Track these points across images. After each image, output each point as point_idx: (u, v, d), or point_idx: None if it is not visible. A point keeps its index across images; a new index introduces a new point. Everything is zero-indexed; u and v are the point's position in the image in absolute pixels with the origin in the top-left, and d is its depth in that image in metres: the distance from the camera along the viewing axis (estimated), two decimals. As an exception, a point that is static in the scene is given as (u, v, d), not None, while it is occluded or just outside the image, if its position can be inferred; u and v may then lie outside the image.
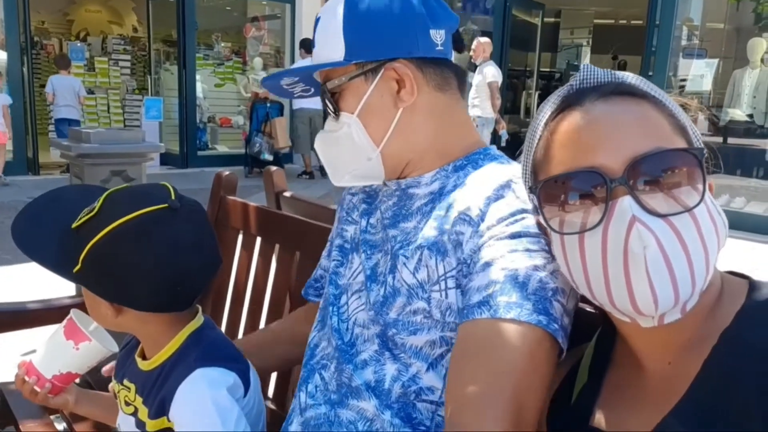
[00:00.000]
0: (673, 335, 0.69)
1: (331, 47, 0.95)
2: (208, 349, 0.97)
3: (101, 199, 0.92)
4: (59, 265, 0.93)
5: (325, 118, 1.04)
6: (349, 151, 0.97)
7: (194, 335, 0.98)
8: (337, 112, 0.97)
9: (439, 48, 0.96)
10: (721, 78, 6.91)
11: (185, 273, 0.92)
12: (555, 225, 0.71)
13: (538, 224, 0.80)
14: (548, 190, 0.72)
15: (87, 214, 0.92)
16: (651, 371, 0.72)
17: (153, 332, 0.98)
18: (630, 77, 0.73)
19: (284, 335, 1.26)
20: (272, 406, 1.46)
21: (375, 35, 0.94)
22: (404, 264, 0.89)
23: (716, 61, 6.94)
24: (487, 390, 0.73)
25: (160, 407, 0.94)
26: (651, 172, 0.65)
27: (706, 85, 6.80)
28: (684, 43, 7.09)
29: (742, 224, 5.22)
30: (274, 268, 1.56)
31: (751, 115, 6.57)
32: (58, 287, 1.83)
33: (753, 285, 0.69)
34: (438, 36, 0.96)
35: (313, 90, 1.07)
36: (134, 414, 1.00)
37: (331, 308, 1.00)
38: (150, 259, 0.89)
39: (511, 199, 0.85)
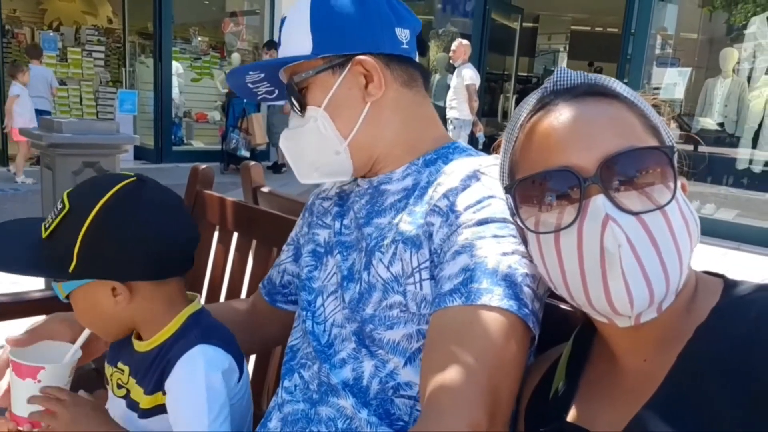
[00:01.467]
0: (648, 332, 0.70)
1: (297, 42, 0.96)
2: (208, 330, 1.00)
3: (64, 199, 0.95)
4: (49, 272, 0.98)
5: None
6: (316, 146, 0.97)
7: (194, 317, 1.01)
8: (303, 107, 0.97)
9: (405, 46, 0.98)
10: (694, 87, 7.06)
11: (174, 233, 0.97)
12: (531, 225, 0.72)
13: (511, 211, 0.80)
14: (523, 190, 0.72)
15: (57, 217, 0.93)
16: (627, 368, 0.73)
17: (157, 312, 0.99)
18: (603, 79, 0.75)
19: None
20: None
21: (342, 29, 0.94)
22: (380, 259, 0.90)
23: (689, 70, 7.07)
24: (461, 375, 0.73)
25: (158, 382, 0.96)
26: (623, 170, 0.66)
27: (679, 93, 6.92)
28: (658, 51, 7.22)
29: (712, 231, 5.33)
30: (251, 264, 1.54)
31: (722, 124, 6.72)
32: (25, 282, 1.78)
33: (728, 283, 0.71)
34: (403, 35, 0.98)
35: (277, 92, 1.07)
36: (125, 396, 1.02)
37: (305, 313, 1.00)
38: (142, 224, 0.93)
39: (477, 187, 0.86)
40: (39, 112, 7.76)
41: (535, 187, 0.71)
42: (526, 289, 0.78)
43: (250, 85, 1.05)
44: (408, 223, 0.90)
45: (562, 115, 0.71)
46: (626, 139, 0.67)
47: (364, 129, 0.96)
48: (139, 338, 1.02)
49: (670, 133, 0.73)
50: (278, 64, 0.98)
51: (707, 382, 0.62)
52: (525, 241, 0.78)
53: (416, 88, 0.99)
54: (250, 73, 1.01)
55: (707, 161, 6.74)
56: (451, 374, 0.73)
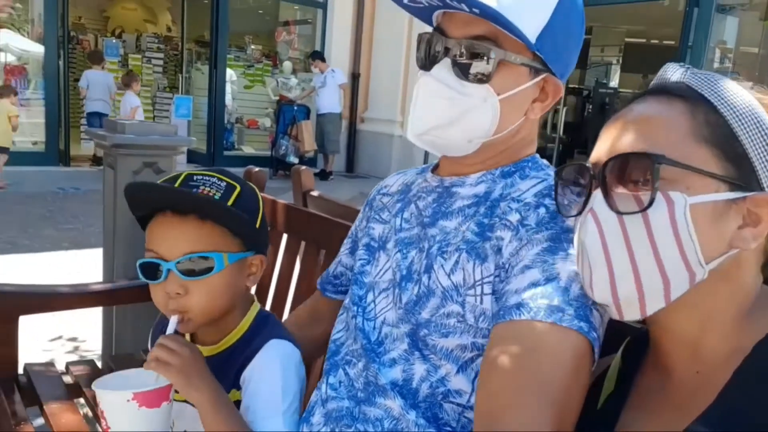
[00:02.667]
0: (702, 343, 0.69)
1: (528, 20, 0.85)
2: (278, 326, 1.05)
3: (230, 181, 1.01)
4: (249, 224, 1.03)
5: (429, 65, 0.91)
6: (462, 122, 0.89)
7: (260, 315, 1.06)
8: (485, 80, 0.88)
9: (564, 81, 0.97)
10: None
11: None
12: (564, 210, 0.80)
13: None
14: (563, 178, 0.80)
15: (232, 194, 1.00)
16: (679, 380, 0.72)
17: (243, 300, 1.04)
18: (695, 75, 0.72)
19: (308, 319, 1.25)
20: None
21: (563, 42, 0.91)
22: (441, 265, 0.88)
23: (749, 85, 6.82)
24: (527, 391, 0.71)
25: (234, 380, 0.99)
26: (618, 172, 0.70)
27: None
28: (717, 65, 7.01)
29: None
30: (299, 266, 1.58)
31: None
32: (82, 274, 1.87)
33: None
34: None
35: (423, 5, 0.91)
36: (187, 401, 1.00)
37: (355, 308, 1.00)
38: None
39: (551, 206, 0.85)
40: (98, 115, 8.15)
41: (569, 177, 0.79)
42: (595, 313, 0.76)
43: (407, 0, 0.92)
44: (475, 233, 0.88)
45: (619, 114, 0.75)
46: (649, 143, 0.68)
47: (504, 137, 0.92)
48: (197, 342, 1.04)
49: (758, 140, 0.67)
50: (494, 18, 0.83)
51: (761, 400, 0.61)
52: None
53: (542, 117, 0.99)
54: None
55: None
56: (519, 390, 0.72)
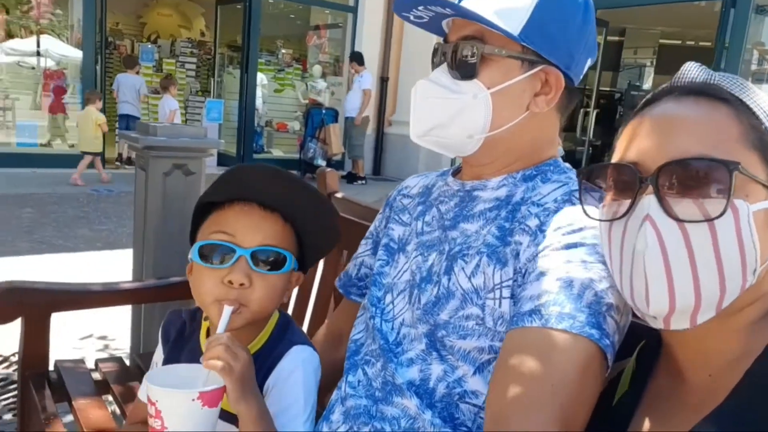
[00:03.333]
0: (715, 347, 0.69)
1: (510, 13, 0.89)
2: (298, 332, 1.05)
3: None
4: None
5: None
6: (457, 119, 0.92)
7: (281, 321, 1.04)
8: (468, 76, 0.91)
9: (581, 77, 0.97)
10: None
11: None
12: (593, 212, 0.75)
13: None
14: (593, 177, 0.75)
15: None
16: (692, 383, 0.71)
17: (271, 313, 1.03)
18: (725, 79, 0.72)
19: (331, 340, 1.23)
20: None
21: (557, 33, 0.91)
22: (462, 268, 0.88)
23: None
24: (536, 398, 0.72)
25: (259, 388, 0.95)
26: (680, 176, 0.65)
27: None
28: (754, 67, 6.84)
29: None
30: (322, 266, 1.59)
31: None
32: (114, 273, 1.91)
33: None
34: (586, 67, 0.97)
35: (426, 20, 0.96)
36: None
37: (373, 309, 1.00)
38: None
39: (570, 211, 0.84)
40: (126, 117, 8.37)
41: (604, 177, 0.74)
42: (609, 320, 0.75)
43: (412, 17, 0.96)
44: (496, 237, 0.88)
45: (656, 111, 0.71)
46: (705, 146, 0.65)
47: (507, 133, 0.92)
48: None
49: None
50: (473, 18, 0.88)
51: None
52: None
53: (563, 115, 0.98)
54: (418, 10, 0.93)
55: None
56: (526, 396, 0.72)
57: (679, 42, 12.18)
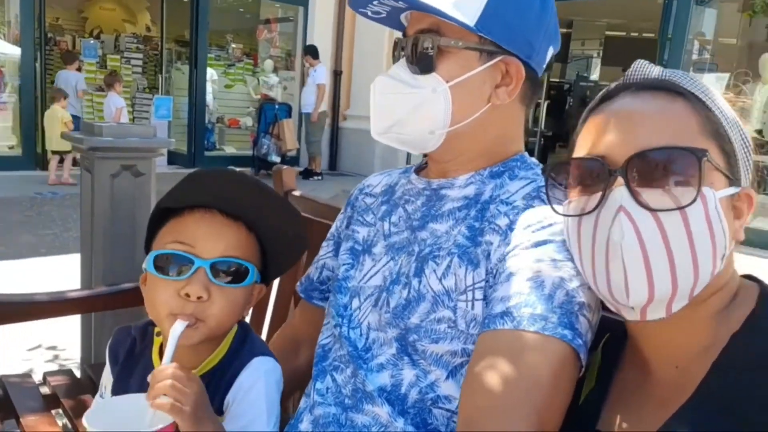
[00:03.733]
0: (681, 338, 0.69)
1: (465, 4, 0.87)
2: (258, 342, 0.99)
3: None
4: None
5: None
6: (417, 115, 0.90)
7: (239, 333, 0.98)
8: (426, 69, 0.89)
9: (543, 66, 0.94)
10: (732, 93, 6.89)
11: None
12: (558, 209, 0.75)
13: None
14: (558, 173, 0.75)
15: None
16: (658, 375, 0.72)
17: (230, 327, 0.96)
18: (676, 75, 0.73)
19: (291, 346, 1.18)
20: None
21: (514, 22, 0.89)
22: (433, 270, 0.87)
23: (727, 75, 6.91)
24: (509, 402, 0.71)
25: (219, 405, 0.91)
26: (649, 167, 0.66)
27: (717, 99, 6.75)
28: (695, 57, 7.08)
29: (753, 241, 5.18)
30: (282, 268, 1.55)
31: (760, 131, 6.53)
32: (61, 280, 1.83)
33: (763, 289, 0.70)
34: (549, 56, 0.95)
35: (383, 16, 0.95)
36: None
37: (339, 318, 0.98)
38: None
39: (539, 208, 0.84)
40: None
41: (569, 173, 0.74)
42: (582, 319, 0.75)
43: (370, 12, 0.95)
44: (466, 237, 0.87)
45: (616, 106, 0.72)
46: (666, 137, 0.67)
47: (470, 125, 0.90)
48: None
49: (746, 136, 0.72)
50: (427, 10, 0.86)
51: (739, 393, 0.61)
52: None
53: (528, 107, 0.96)
54: (374, 4, 0.92)
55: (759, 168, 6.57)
56: (499, 402, 0.71)
57: (624, 34, 12.53)
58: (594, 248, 0.69)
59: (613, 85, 0.77)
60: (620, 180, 0.67)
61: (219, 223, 0.91)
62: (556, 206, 0.76)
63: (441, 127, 0.90)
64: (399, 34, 0.98)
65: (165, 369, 0.79)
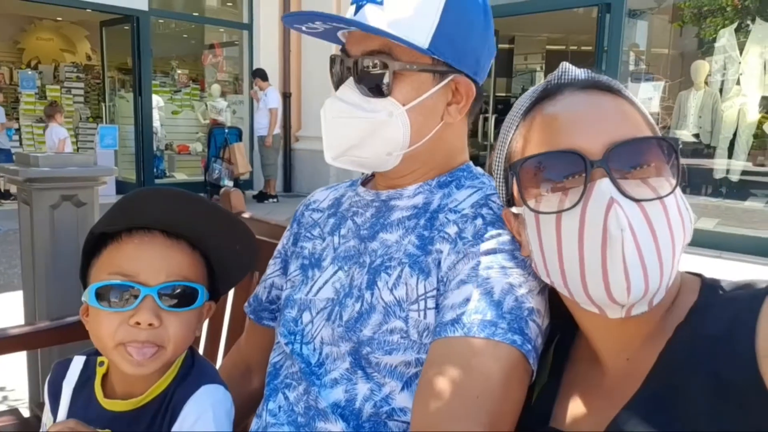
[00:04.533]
0: (635, 330, 0.70)
1: (415, 25, 0.85)
2: (208, 369, 0.95)
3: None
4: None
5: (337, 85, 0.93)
6: (375, 139, 0.89)
7: (188, 357, 0.95)
8: (385, 93, 0.88)
9: (484, 78, 0.95)
10: (667, 100, 7.19)
11: None
12: (532, 205, 0.71)
13: (512, 234, 0.80)
14: (526, 171, 0.72)
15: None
16: (609, 367, 0.73)
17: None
18: (604, 77, 0.76)
19: (241, 371, 1.16)
20: None
21: (464, 41, 0.89)
22: (385, 282, 0.86)
23: (662, 83, 7.21)
24: (461, 409, 0.71)
25: None
26: (629, 157, 0.67)
27: (654, 107, 7.04)
28: (632, 67, 7.35)
29: (694, 240, 5.37)
30: (232, 293, 1.53)
31: (697, 135, 6.83)
32: (6, 319, 1.76)
33: (705, 282, 0.72)
34: (488, 66, 0.95)
35: (321, 32, 0.93)
36: None
37: (291, 336, 0.96)
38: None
39: (487, 216, 0.84)
40: None
41: (539, 168, 0.71)
42: (531, 324, 0.75)
43: (305, 28, 0.92)
44: (416, 246, 0.87)
45: (567, 101, 0.73)
46: (631, 129, 0.69)
47: (426, 144, 0.90)
48: (108, 397, 0.92)
49: (659, 134, 0.74)
50: (381, 34, 0.84)
51: (684, 382, 0.62)
52: (524, 258, 0.77)
53: (471, 119, 0.97)
54: (313, 23, 0.89)
55: (685, 172, 6.86)
56: (451, 411, 0.71)
57: (564, 47, 12.94)
58: (583, 246, 0.65)
59: (543, 87, 0.78)
60: (602, 172, 0.65)
61: (161, 245, 0.88)
62: (515, 208, 0.76)
63: (399, 149, 0.90)
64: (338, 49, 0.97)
65: (61, 426, 0.77)
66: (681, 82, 7.21)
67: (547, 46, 13.03)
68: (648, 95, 7.12)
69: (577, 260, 0.66)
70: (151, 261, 0.86)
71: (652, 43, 7.88)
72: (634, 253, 0.63)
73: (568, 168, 0.68)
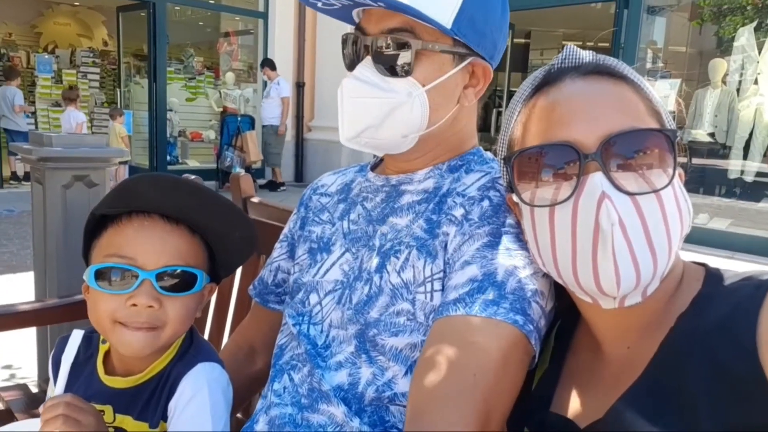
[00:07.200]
0: (633, 319, 0.70)
1: (440, 4, 0.84)
2: (206, 348, 0.96)
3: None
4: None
5: (352, 65, 0.91)
6: (392, 120, 0.87)
7: (188, 337, 0.96)
8: (406, 73, 0.86)
9: (497, 62, 0.94)
10: (684, 98, 7.12)
11: None
12: (527, 198, 0.71)
13: (507, 185, 0.79)
14: (522, 162, 0.72)
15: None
16: (610, 355, 0.73)
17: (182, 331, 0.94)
18: (610, 60, 0.74)
19: (245, 353, 1.16)
20: (238, 414, 1.43)
21: (485, 26, 0.89)
22: (394, 264, 0.87)
23: (679, 81, 7.13)
24: (456, 388, 0.71)
25: (164, 410, 0.90)
26: (624, 150, 0.66)
27: (670, 105, 6.98)
28: (649, 65, 7.28)
29: (706, 240, 5.34)
30: (239, 275, 1.54)
31: (712, 134, 6.76)
32: (19, 299, 1.78)
33: (709, 272, 0.71)
34: (502, 51, 0.95)
35: (337, 8, 0.91)
36: None
37: (299, 317, 0.97)
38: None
39: (495, 199, 0.84)
40: (9, 132, 8.01)
41: (534, 160, 0.70)
42: (534, 306, 0.75)
43: (320, 4, 0.91)
44: (424, 230, 0.87)
45: (566, 90, 0.71)
46: (629, 119, 0.67)
47: (441, 127, 0.90)
48: (109, 374, 0.94)
49: (671, 119, 0.73)
50: (405, 11, 0.82)
51: (684, 370, 0.62)
52: (519, 222, 0.77)
53: (480, 103, 0.97)
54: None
55: (699, 172, 6.80)
56: (447, 389, 0.71)
57: (581, 43, 12.84)
58: (574, 238, 0.66)
59: (546, 70, 0.77)
60: (595, 165, 0.65)
61: (160, 230, 0.88)
62: (515, 196, 0.75)
63: (416, 130, 0.89)
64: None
65: (57, 403, 0.77)
66: (698, 81, 7.13)
67: (564, 42, 12.94)
68: (665, 93, 7.04)
69: (570, 253, 0.67)
70: (149, 245, 0.87)
71: (669, 40, 7.79)
72: (623, 246, 0.63)
73: (563, 161, 0.68)
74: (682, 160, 0.69)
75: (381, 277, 0.87)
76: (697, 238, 5.32)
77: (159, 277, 0.86)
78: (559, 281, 0.72)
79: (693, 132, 6.86)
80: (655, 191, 0.65)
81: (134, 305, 0.85)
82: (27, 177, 8.00)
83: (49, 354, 2.10)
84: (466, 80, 0.91)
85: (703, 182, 6.70)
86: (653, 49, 7.44)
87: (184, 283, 0.88)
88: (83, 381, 0.94)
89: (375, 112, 0.87)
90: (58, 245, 2.00)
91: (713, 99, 6.69)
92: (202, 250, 0.92)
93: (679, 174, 0.69)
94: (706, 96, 6.77)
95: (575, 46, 0.76)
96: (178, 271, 0.87)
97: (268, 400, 0.95)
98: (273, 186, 8.59)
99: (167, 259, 0.87)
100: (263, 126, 8.70)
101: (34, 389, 1.82)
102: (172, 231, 0.89)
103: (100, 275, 0.86)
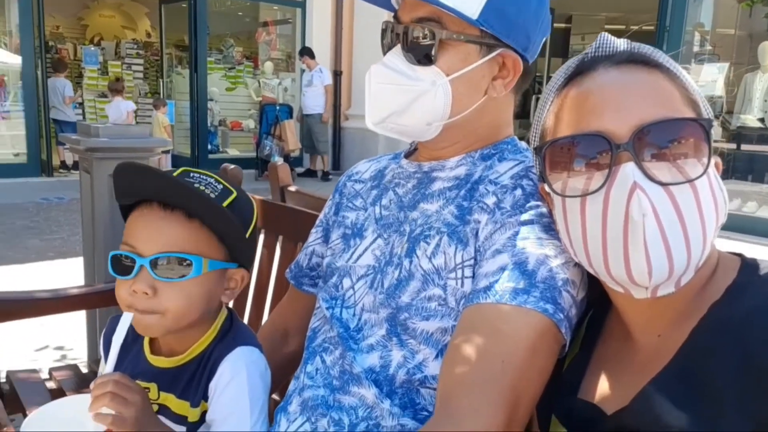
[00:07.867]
0: (666, 308, 0.69)
1: None
2: (245, 332, 0.99)
3: (226, 185, 0.94)
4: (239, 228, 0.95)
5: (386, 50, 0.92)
6: (415, 107, 0.89)
7: (228, 320, 1.00)
8: (430, 62, 0.87)
9: (536, 56, 0.94)
10: (733, 83, 6.87)
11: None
12: (558, 188, 0.71)
13: (542, 194, 0.79)
14: (554, 152, 0.72)
15: (228, 198, 0.93)
16: (641, 343, 0.73)
17: (209, 317, 0.97)
18: (645, 48, 0.73)
19: (280, 334, 1.19)
20: (274, 395, 1.47)
21: (515, 16, 0.88)
22: (424, 250, 0.88)
23: (727, 65, 6.88)
24: (483, 375, 0.72)
25: (205, 391, 0.94)
26: (657, 140, 0.65)
27: (718, 90, 6.74)
28: (696, 48, 7.05)
29: (753, 228, 5.18)
30: (278, 259, 1.58)
31: (762, 119, 6.51)
32: (69, 283, 1.86)
33: (745, 261, 0.70)
34: (540, 44, 0.94)
35: None
36: (159, 412, 0.95)
37: (332, 301, 0.99)
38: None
39: (527, 188, 0.85)
40: (59, 123, 8.22)
41: (566, 151, 0.70)
42: (565, 294, 0.75)
43: None
44: (455, 216, 0.88)
45: (600, 80, 0.71)
46: (663, 109, 0.66)
47: (467, 116, 0.90)
48: (155, 354, 0.98)
49: (709, 107, 0.72)
50: (431, 1, 0.84)
51: (714, 359, 0.62)
52: (551, 212, 0.77)
53: (519, 94, 0.97)
54: None
55: (747, 159, 6.57)
56: (475, 375, 0.72)
57: (623, 26, 12.48)
58: (605, 229, 0.66)
59: (580, 59, 0.76)
60: (627, 155, 0.65)
61: (156, 217, 0.89)
62: (546, 186, 0.75)
63: (439, 119, 0.90)
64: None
65: (106, 380, 0.81)
66: (747, 65, 6.86)
67: (606, 26, 12.60)
68: (712, 77, 6.82)
69: (600, 243, 0.67)
70: (146, 232, 0.89)
71: (717, 22, 7.51)
72: (657, 237, 0.63)
73: (595, 151, 0.67)
74: (723, 146, 0.67)
75: (411, 262, 0.89)
76: (745, 226, 5.16)
77: (154, 263, 0.87)
78: (591, 271, 0.72)
79: (742, 117, 6.62)
80: (689, 181, 0.64)
81: (134, 291, 0.88)
82: (76, 166, 8.28)
83: (97, 336, 2.19)
84: (494, 71, 0.90)
85: (752, 169, 6.47)
86: (700, 32, 7.19)
87: (180, 269, 0.89)
88: (131, 360, 0.99)
89: (399, 98, 0.89)
90: (105, 232, 2.08)
91: (763, 83, 6.44)
92: (203, 236, 0.91)
93: (716, 163, 0.68)
94: (756, 80, 6.52)
95: (609, 35, 0.75)
96: (173, 257, 0.88)
97: (300, 381, 0.97)
98: (314, 174, 8.66)
99: (162, 245, 0.88)
100: (306, 115, 8.75)
101: (84, 369, 1.91)
102: (166, 217, 0.89)
103: (114, 263, 0.91)
